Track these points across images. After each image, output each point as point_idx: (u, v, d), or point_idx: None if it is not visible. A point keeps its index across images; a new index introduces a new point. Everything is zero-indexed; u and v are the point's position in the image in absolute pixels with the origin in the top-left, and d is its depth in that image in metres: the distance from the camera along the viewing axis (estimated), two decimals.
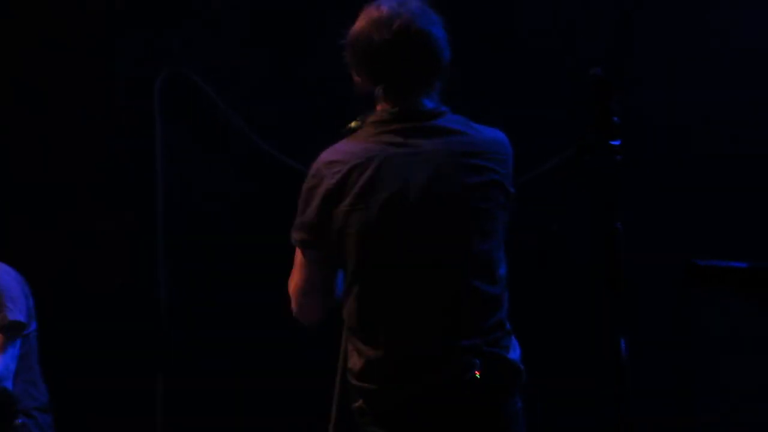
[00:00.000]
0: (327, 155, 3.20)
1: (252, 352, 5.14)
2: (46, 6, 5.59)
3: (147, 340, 5.28)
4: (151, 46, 5.40)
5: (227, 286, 5.25)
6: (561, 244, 4.86)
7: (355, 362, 3.20)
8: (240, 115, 5.23)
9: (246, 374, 5.16)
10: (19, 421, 4.41)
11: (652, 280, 4.78)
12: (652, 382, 4.80)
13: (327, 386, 3.76)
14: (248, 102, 5.28)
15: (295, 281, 3.25)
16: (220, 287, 5.26)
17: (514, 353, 3.22)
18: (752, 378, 4.80)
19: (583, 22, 5.08)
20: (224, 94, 5.27)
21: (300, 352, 4.89)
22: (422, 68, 3.22)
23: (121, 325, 5.31)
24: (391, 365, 3.14)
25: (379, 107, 3.25)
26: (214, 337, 5.23)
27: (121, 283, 5.35)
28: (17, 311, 4.40)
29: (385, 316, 3.15)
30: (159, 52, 5.39)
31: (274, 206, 4.04)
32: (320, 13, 5.23)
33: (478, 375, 3.13)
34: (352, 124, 3.29)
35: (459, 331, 3.13)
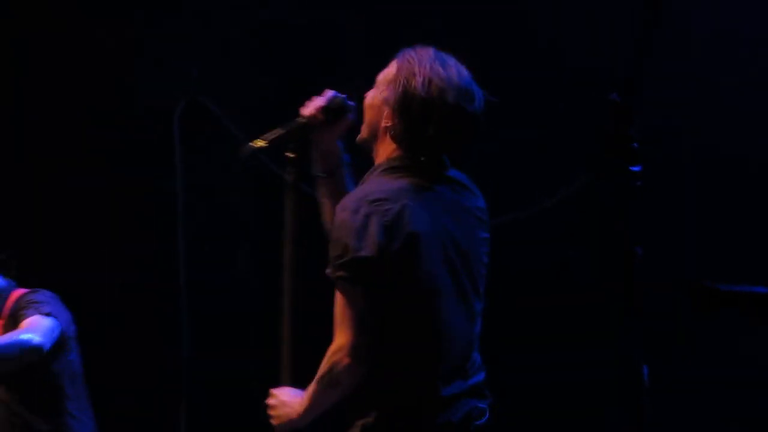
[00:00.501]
0: (366, 193, 3.17)
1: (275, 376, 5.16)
2: (61, 40, 5.62)
3: (170, 366, 5.32)
4: (168, 76, 5.43)
5: (247, 309, 5.28)
6: (579, 269, 4.88)
7: (381, 403, 3.18)
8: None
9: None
10: None
11: (670, 304, 4.80)
12: (670, 409, 4.81)
13: None
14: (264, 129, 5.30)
15: (348, 322, 3.15)
16: (241, 310, 5.28)
17: None
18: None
19: (601, 46, 5.11)
20: (240, 123, 5.30)
21: None
22: (468, 140, 3.27)
23: (144, 353, 5.33)
24: (418, 405, 3.18)
25: (391, 148, 3.25)
26: (235, 363, 5.25)
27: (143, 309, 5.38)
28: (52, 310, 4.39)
29: (416, 355, 3.18)
30: (176, 81, 5.43)
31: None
32: (334, 39, 5.26)
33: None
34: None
35: (467, 375, 3.24)
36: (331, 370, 3.15)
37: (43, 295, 4.48)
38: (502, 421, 5.16)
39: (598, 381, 4.85)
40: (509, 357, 5.13)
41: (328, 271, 3.15)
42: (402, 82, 3.21)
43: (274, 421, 3.27)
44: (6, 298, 4.53)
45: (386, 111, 3.24)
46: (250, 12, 5.49)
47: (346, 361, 3.13)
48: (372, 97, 3.31)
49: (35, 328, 4.26)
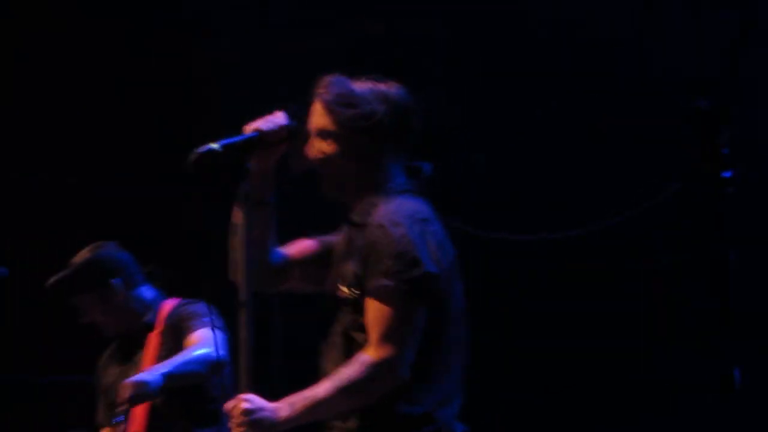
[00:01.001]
0: (410, 211, 3.19)
1: None
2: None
3: None
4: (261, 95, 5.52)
5: None
6: (673, 277, 4.88)
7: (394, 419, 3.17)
8: None
9: None
10: None
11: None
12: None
13: None
14: None
15: (398, 336, 3.11)
16: None
17: None
18: None
19: (689, 53, 5.09)
20: None
21: None
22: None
23: None
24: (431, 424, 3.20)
25: (384, 175, 3.26)
26: None
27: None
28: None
29: (435, 374, 3.21)
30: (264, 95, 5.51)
31: None
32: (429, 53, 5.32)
33: None
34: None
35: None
36: (368, 379, 3.09)
37: (203, 307, 4.39)
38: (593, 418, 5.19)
39: (690, 382, 4.86)
40: (597, 357, 5.22)
41: (385, 283, 3.10)
42: (371, 104, 3.23)
43: (247, 428, 3.10)
44: (158, 309, 4.47)
45: (365, 142, 3.24)
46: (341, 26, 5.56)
47: (390, 374, 3.09)
48: (333, 145, 3.26)
49: (211, 343, 4.17)
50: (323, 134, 3.27)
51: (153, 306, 4.48)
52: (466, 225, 5.04)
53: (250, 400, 3.10)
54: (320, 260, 3.37)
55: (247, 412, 3.08)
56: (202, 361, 4.15)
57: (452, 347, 3.22)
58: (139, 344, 4.42)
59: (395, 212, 3.17)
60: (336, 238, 3.37)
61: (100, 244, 4.52)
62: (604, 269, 5.07)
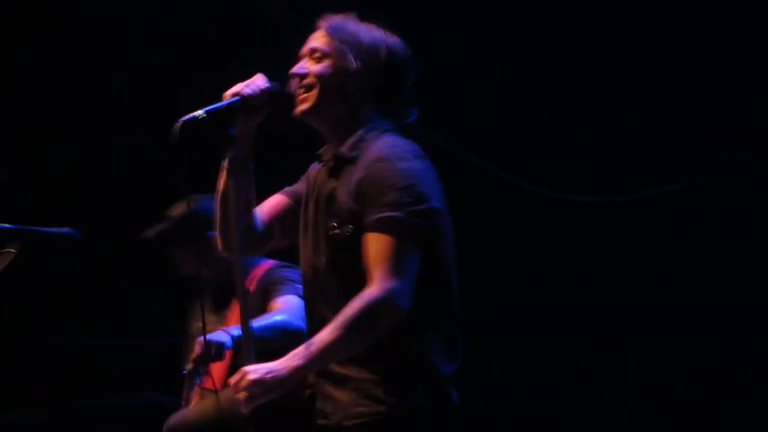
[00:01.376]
0: (410, 148, 3.18)
1: None
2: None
3: None
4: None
5: None
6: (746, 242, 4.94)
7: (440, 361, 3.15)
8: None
9: None
10: None
11: None
12: None
13: None
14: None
15: (399, 268, 3.04)
16: None
17: None
18: None
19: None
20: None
21: None
22: None
23: None
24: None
25: (369, 112, 3.24)
26: None
27: None
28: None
29: (451, 303, 3.20)
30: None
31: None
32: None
33: None
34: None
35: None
36: (373, 313, 3.02)
37: (297, 273, 4.18)
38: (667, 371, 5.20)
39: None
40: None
41: (392, 214, 3.05)
42: (373, 44, 3.23)
43: (265, 395, 3.04)
44: (254, 267, 4.39)
45: (357, 75, 3.22)
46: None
47: (392, 306, 3.02)
48: (326, 66, 3.23)
49: (295, 312, 4.12)
50: (319, 55, 3.24)
51: (249, 264, 4.39)
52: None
53: (254, 370, 3.04)
54: (297, 212, 3.33)
55: (258, 382, 3.02)
56: (279, 328, 4.09)
57: (452, 289, 3.20)
58: (229, 299, 4.37)
59: (395, 146, 3.15)
60: (303, 184, 3.35)
61: (197, 196, 4.37)
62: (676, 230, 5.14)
